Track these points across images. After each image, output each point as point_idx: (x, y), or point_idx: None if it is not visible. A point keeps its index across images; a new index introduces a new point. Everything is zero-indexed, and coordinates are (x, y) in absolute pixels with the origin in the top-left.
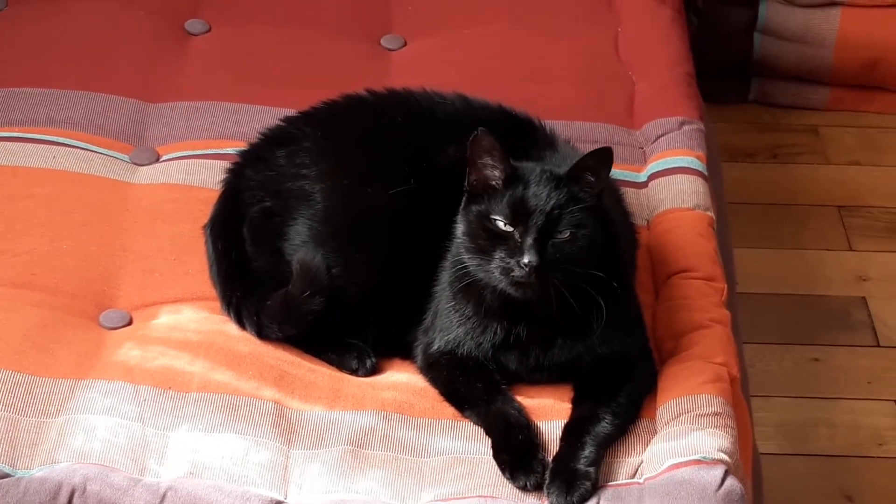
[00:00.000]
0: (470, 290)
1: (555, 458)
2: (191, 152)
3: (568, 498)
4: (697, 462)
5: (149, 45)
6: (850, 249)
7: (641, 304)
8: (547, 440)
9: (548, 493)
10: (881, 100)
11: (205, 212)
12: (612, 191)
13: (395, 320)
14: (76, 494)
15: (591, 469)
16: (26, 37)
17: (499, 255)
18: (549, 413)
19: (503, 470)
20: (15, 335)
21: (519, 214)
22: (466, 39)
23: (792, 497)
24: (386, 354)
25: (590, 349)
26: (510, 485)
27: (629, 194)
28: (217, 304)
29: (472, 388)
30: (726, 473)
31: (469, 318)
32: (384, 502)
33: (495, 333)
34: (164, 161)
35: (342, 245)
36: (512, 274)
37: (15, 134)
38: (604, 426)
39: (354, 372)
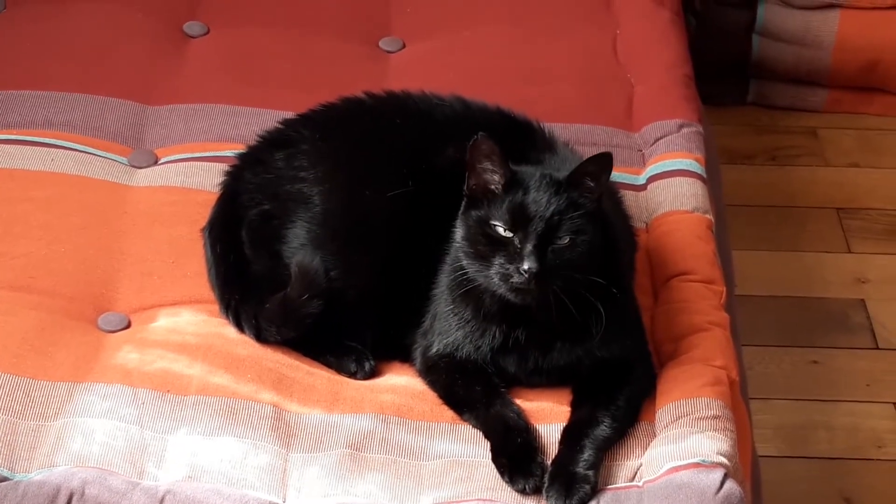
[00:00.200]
0: (469, 293)
1: (554, 461)
2: (189, 155)
3: (567, 501)
4: (697, 465)
5: (147, 48)
6: (849, 251)
7: (640, 307)
8: (546, 443)
9: (547, 496)
10: (880, 102)
11: (203, 214)
12: (611, 193)
13: (394, 323)
14: (74, 498)
15: (591, 472)
16: (25, 39)
17: (498, 260)
18: (548, 416)
19: (502, 473)
20: (13, 338)
21: (519, 220)
22: (465, 42)
23: (791, 500)
24: (385, 357)
25: (589, 353)
26: (509, 488)
27: (628, 197)
28: (215, 307)
29: (470, 391)
30: (725, 477)
31: (468, 322)
32: None
33: (494, 337)
34: (162, 164)
35: (341, 248)
36: (511, 280)
37: (13, 136)
38: (603, 429)
39: (353, 375)
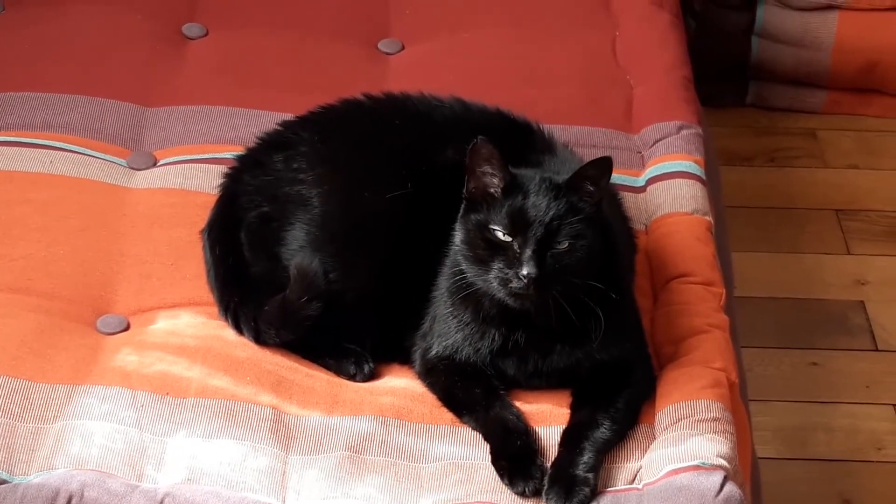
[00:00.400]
0: (468, 296)
1: (553, 463)
2: (188, 157)
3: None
4: (696, 468)
5: (146, 49)
6: (849, 253)
7: (640, 309)
8: (545, 446)
9: (546, 498)
10: (879, 103)
11: (202, 216)
12: (611, 195)
13: (394, 325)
14: (73, 500)
15: (590, 475)
16: (23, 41)
17: (497, 265)
18: (548, 418)
19: (502, 476)
20: (12, 341)
21: (518, 225)
22: (464, 43)
23: (791, 502)
24: (384, 359)
25: (588, 355)
26: (509, 491)
27: (627, 199)
28: (215, 310)
29: (470, 393)
30: (725, 479)
31: (467, 324)
32: None
33: (493, 340)
34: (161, 165)
35: (340, 250)
36: (510, 285)
37: (11, 138)
38: (602, 432)
39: (352, 377)
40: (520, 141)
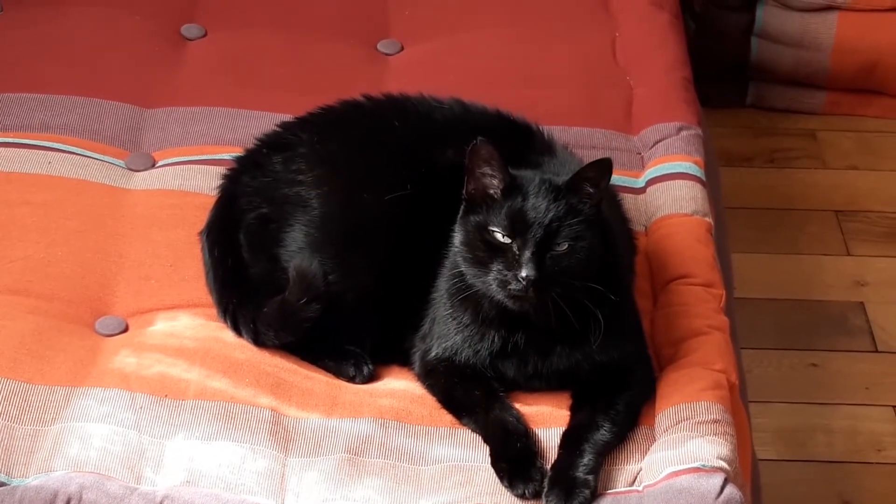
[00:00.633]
0: (468, 298)
1: (553, 465)
2: (187, 158)
3: None
4: (697, 470)
5: (145, 50)
6: (848, 254)
7: (640, 311)
8: (545, 448)
9: (546, 501)
10: (878, 104)
11: (201, 218)
12: (611, 197)
13: (393, 327)
14: (72, 503)
15: (590, 477)
16: (22, 41)
17: (496, 267)
18: (548, 420)
19: (501, 478)
20: (10, 342)
21: (517, 226)
22: (464, 44)
23: (790, 503)
24: (383, 361)
25: (588, 357)
26: (508, 493)
27: (627, 200)
28: (213, 311)
29: (469, 395)
30: (726, 481)
31: (467, 326)
32: None
33: (493, 341)
34: (160, 167)
35: (339, 251)
36: (509, 287)
37: (10, 140)
38: (602, 434)
39: (352, 379)
40: (519, 142)
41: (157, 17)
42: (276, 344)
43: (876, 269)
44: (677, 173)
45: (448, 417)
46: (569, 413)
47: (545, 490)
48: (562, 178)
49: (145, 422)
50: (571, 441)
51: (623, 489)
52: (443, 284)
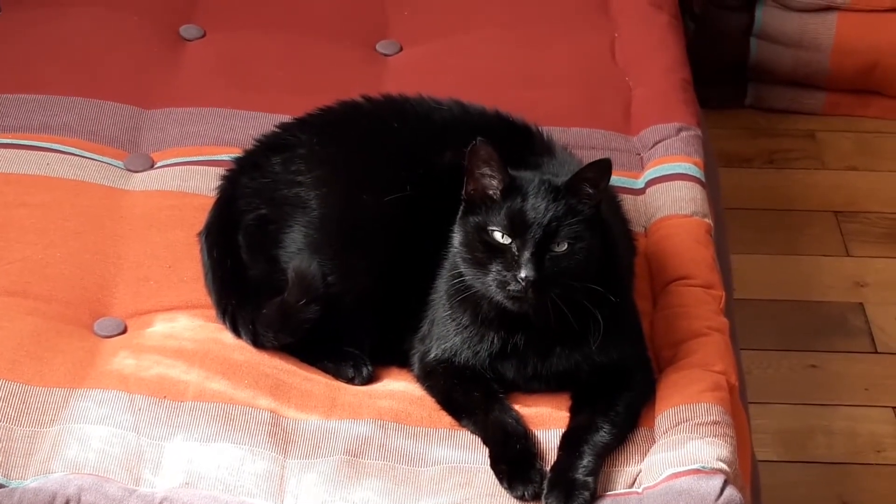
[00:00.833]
0: (467, 299)
1: (553, 467)
2: (185, 159)
3: None
4: (696, 471)
5: (143, 51)
6: (848, 255)
7: (639, 312)
8: (545, 449)
9: (546, 502)
10: (878, 104)
11: (200, 219)
12: (610, 197)
13: (392, 328)
14: None
15: (590, 478)
16: (20, 42)
17: (496, 267)
18: (547, 422)
19: (501, 480)
20: (8, 344)
21: (517, 227)
22: (463, 45)
23: None
24: (383, 363)
25: (588, 358)
26: (508, 494)
27: (626, 201)
28: (212, 313)
29: (469, 396)
30: (725, 483)
31: (466, 327)
32: None
33: (492, 343)
34: (158, 167)
35: (338, 252)
36: (508, 288)
37: (8, 140)
38: (602, 435)
39: (351, 380)
40: (518, 143)
41: (155, 18)
42: (275, 345)
43: (875, 270)
44: (677, 174)
45: (447, 419)
46: (568, 414)
47: (545, 492)
48: (561, 179)
49: (144, 423)
50: (571, 442)
51: (623, 491)
52: (442, 285)
